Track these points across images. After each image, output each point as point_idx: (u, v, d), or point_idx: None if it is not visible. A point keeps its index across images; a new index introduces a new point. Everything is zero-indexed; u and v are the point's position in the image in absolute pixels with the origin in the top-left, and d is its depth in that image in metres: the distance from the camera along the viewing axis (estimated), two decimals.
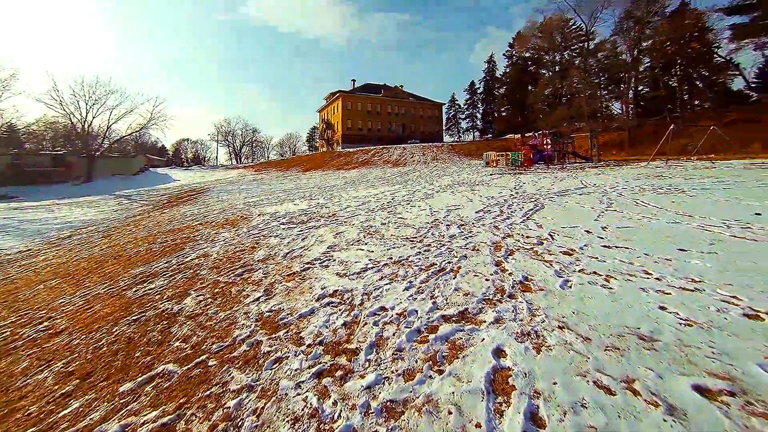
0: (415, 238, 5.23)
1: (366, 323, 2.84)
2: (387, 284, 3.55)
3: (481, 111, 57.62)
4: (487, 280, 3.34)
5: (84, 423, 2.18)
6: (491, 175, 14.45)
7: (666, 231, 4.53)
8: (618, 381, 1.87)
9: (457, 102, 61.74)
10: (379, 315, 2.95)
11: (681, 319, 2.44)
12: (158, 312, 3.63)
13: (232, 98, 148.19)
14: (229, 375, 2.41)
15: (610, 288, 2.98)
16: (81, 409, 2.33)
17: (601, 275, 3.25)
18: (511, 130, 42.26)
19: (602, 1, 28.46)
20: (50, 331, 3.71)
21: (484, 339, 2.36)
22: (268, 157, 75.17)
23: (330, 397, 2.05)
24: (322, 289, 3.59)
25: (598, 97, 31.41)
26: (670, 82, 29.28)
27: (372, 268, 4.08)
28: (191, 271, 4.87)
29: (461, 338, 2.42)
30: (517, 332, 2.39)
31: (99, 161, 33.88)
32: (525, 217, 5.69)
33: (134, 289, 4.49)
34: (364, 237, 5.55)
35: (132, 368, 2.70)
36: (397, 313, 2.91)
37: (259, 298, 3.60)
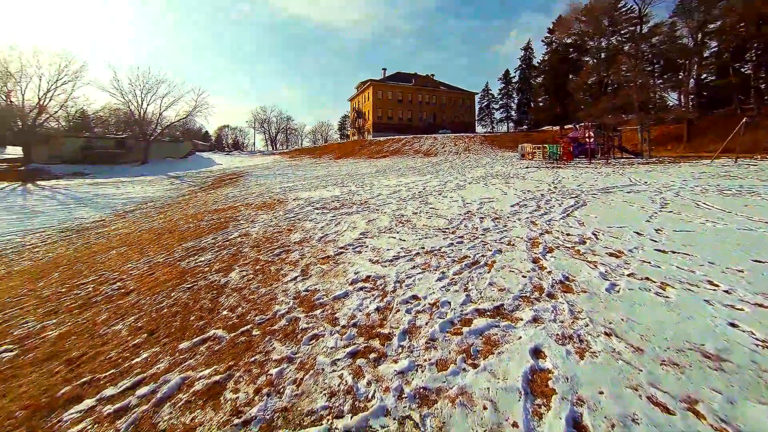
0: (448, 229, 5.12)
1: (399, 310, 2.84)
2: (419, 273, 3.52)
3: (516, 101, 54.46)
4: (524, 276, 3.20)
5: (152, 371, 2.42)
6: (527, 168, 13.73)
7: (736, 238, 4.02)
8: (677, 400, 1.70)
9: (490, 91, 58.87)
10: (411, 303, 2.94)
11: (757, 339, 2.16)
12: (208, 283, 3.89)
13: (269, 88, 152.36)
14: (271, 345, 2.54)
15: (667, 297, 2.72)
16: (149, 359, 2.59)
17: (654, 282, 2.97)
18: (549, 121, 39.57)
19: None
20: (122, 291, 4.13)
21: (521, 337, 2.27)
22: (301, 144, 77.06)
23: (364, 377, 2.09)
24: (355, 273, 3.65)
25: (651, 87, 28.35)
26: (743, 69, 25.63)
27: (404, 256, 4.06)
28: (235, 248, 5.15)
29: (496, 334, 2.35)
30: (558, 334, 2.27)
31: (153, 145, 36.53)
32: (565, 214, 5.35)
33: (187, 261, 4.85)
34: (396, 225, 5.53)
35: (188, 329, 2.94)
36: (429, 303, 2.88)
37: (296, 277, 3.73)
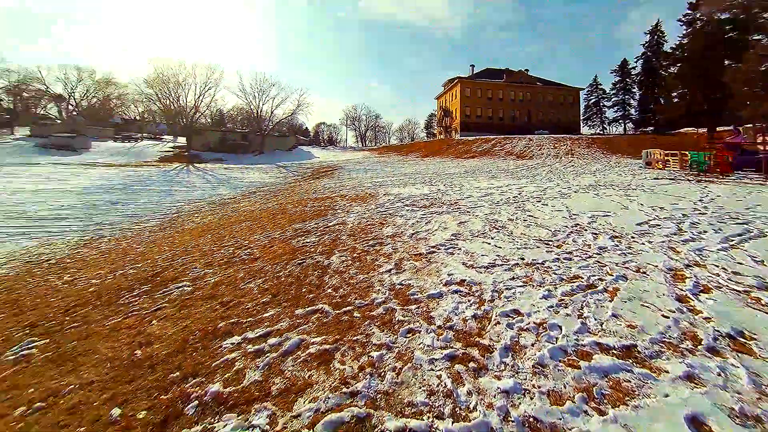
0: (551, 241, 4.56)
1: (498, 322, 2.66)
2: (520, 286, 3.23)
3: (637, 97, 44.50)
4: (665, 316, 2.59)
5: (277, 327, 2.87)
6: (656, 178, 11.16)
7: None
8: None
9: (600, 86, 49.47)
10: (512, 318, 2.72)
11: None
12: (314, 262, 4.38)
13: (359, 87, 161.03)
14: (371, 329, 2.70)
15: None
16: (274, 317, 3.08)
17: None
18: (687, 122, 31.17)
19: None
20: (251, 257, 5.02)
21: (668, 395, 1.80)
22: (389, 141, 79.77)
23: (464, 384, 2.02)
24: (449, 275, 3.57)
25: None
26: None
27: (501, 265, 3.79)
28: (334, 234, 5.67)
29: (629, 381, 1.95)
30: (733, 409, 1.70)
31: (266, 139, 43.19)
32: (727, 245, 4.11)
33: (296, 240, 5.57)
34: (490, 230, 5.21)
35: (301, 299, 3.37)
36: (535, 322, 2.61)
37: (390, 270, 3.87)
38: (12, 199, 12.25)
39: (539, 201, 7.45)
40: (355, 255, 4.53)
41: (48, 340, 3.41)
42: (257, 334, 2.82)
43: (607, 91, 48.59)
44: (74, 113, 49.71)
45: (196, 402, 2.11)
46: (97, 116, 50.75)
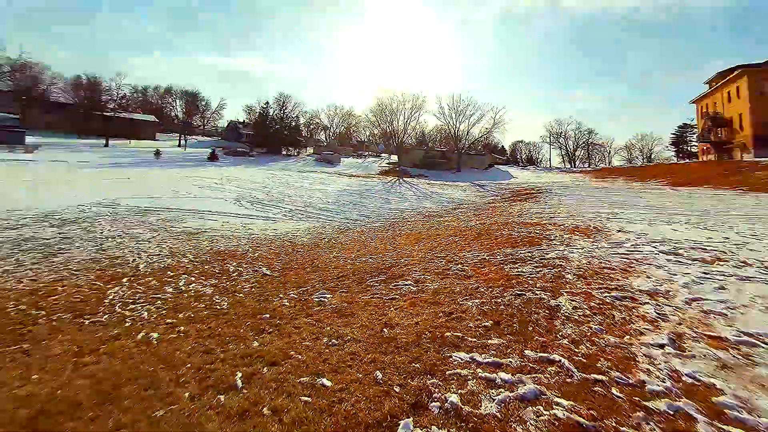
0: None
1: None
2: None
3: None
4: None
5: (506, 361, 2.73)
6: None
7: None
8: None
9: None
10: None
11: None
12: (537, 298, 3.93)
13: (562, 98, 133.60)
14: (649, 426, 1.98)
15: None
16: (500, 347, 2.97)
17: None
18: None
19: None
20: (464, 273, 5.26)
21: None
22: (610, 162, 62.99)
23: None
24: None
25: None
26: None
27: None
28: (555, 270, 4.91)
29: None
30: None
31: (463, 157, 45.19)
32: None
33: (509, 266, 5.28)
34: None
35: (529, 340, 3.06)
36: None
37: (662, 345, 2.80)
38: (303, 194, 19.44)
39: None
40: (593, 304, 3.67)
41: (331, 295, 4.93)
42: (485, 360, 2.78)
43: None
44: (332, 137, 74.65)
45: (439, 404, 2.28)
46: (343, 139, 74.00)
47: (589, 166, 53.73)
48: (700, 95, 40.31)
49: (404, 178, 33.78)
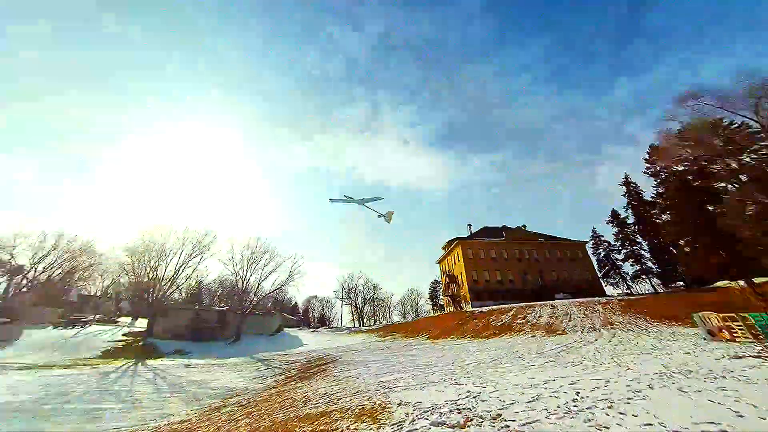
0: None
1: None
2: None
3: (646, 247, 47.94)
4: None
5: None
6: (737, 357, 10.24)
7: None
8: None
9: (602, 238, 53.84)
10: None
11: None
12: None
13: (354, 253, 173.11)
14: None
15: None
16: None
17: None
18: (718, 273, 32.61)
19: None
20: None
21: None
22: (390, 317, 78.74)
23: None
24: None
25: None
26: None
27: None
28: None
29: None
30: None
31: (249, 320, 42.08)
32: None
33: None
34: None
35: None
36: None
37: None
38: None
39: (611, 407, 6.37)
40: None
41: None
42: None
43: (613, 243, 52.33)
44: (25, 290, 45.91)
45: None
46: (51, 292, 47.50)
47: (374, 323, 64.13)
48: (440, 257, 62.53)
49: (147, 361, 25.75)
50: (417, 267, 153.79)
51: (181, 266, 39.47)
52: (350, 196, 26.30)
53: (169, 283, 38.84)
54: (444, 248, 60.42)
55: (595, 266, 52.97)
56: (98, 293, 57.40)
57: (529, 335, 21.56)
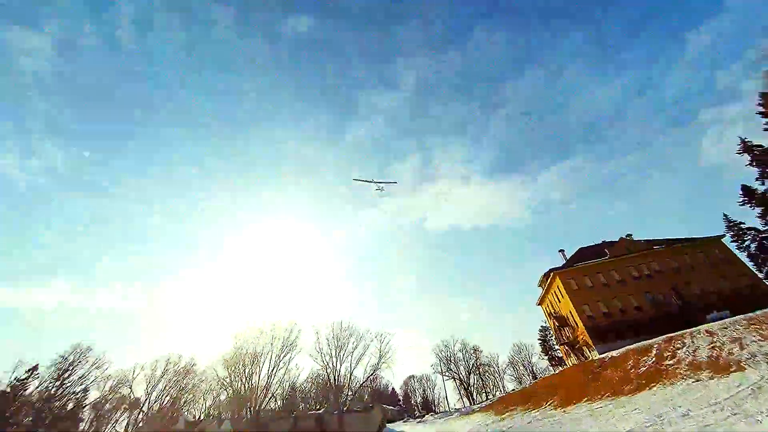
0: None
1: None
2: None
3: None
4: None
5: None
6: None
7: None
8: None
9: (745, 226, 41.36)
10: None
11: None
12: None
13: (440, 315, 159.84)
14: None
15: None
16: None
17: None
18: None
19: None
20: None
21: None
22: (502, 386, 69.69)
23: None
24: None
25: None
26: None
27: None
28: None
29: None
30: None
31: (346, 419, 40.10)
32: None
33: None
34: None
35: None
36: None
37: None
38: None
39: None
40: None
41: None
42: None
43: (762, 229, 40.33)
44: (141, 423, 47.61)
45: None
46: (163, 422, 48.43)
47: (486, 397, 56.95)
48: (539, 297, 54.53)
49: None
50: (516, 315, 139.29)
51: (273, 369, 40.89)
52: (371, 179, 36.50)
53: (264, 392, 40.01)
54: (540, 285, 53.62)
55: (750, 265, 41.17)
56: (201, 416, 58.01)
57: (691, 379, 16.87)
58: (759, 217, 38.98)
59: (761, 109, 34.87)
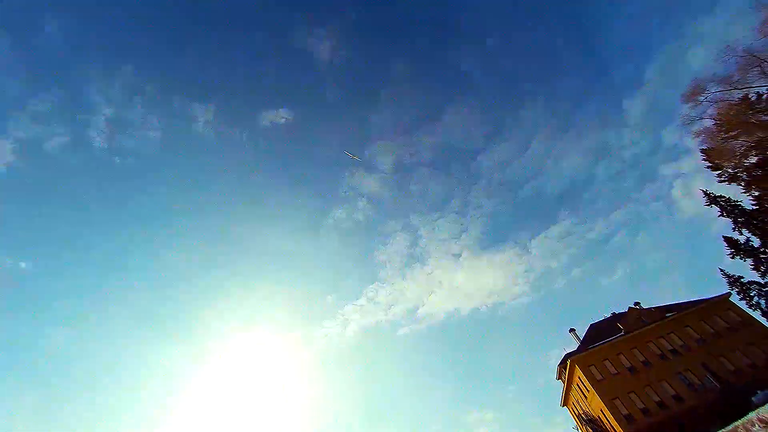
0: None
1: None
2: None
3: None
4: None
5: None
6: None
7: None
8: None
9: (744, 280, 39.18)
10: None
11: None
12: None
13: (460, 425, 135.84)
14: None
15: None
16: None
17: None
18: None
19: None
20: None
21: None
22: None
23: None
24: None
25: None
26: None
27: None
28: None
29: None
30: None
31: None
32: None
33: None
34: None
35: None
36: None
37: None
38: None
39: None
40: None
41: None
42: None
43: (761, 281, 38.03)
44: None
45: None
46: None
47: None
48: (562, 395, 46.58)
49: None
50: (544, 421, 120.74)
51: None
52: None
53: None
54: (559, 377, 46.51)
55: (766, 323, 37.71)
56: None
57: None
58: (753, 269, 37.54)
59: (708, 163, 37.00)
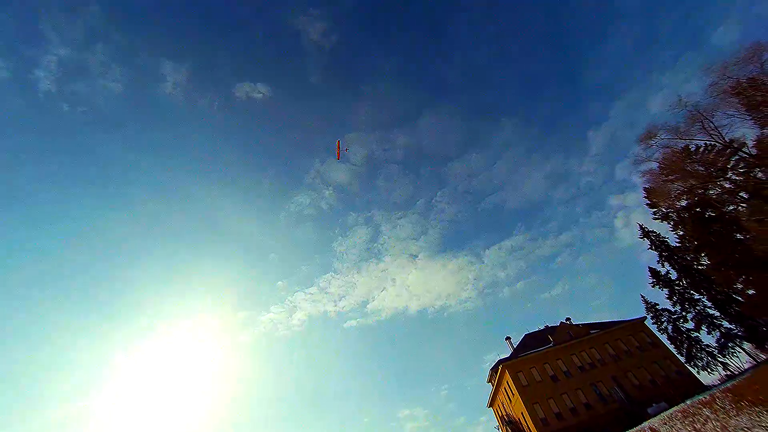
0: None
1: None
2: None
3: (709, 303, 41.57)
4: None
5: None
6: None
7: None
8: None
9: (659, 308, 46.28)
10: None
11: None
12: None
13: (388, 419, 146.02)
14: None
15: None
16: None
17: None
18: None
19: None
20: None
21: None
22: None
23: None
24: None
25: None
26: None
27: None
28: None
29: None
30: None
31: None
32: None
33: None
34: None
35: None
36: None
37: None
38: None
39: None
40: None
41: None
42: None
43: (672, 309, 45.29)
44: None
45: None
46: None
47: None
48: (490, 396, 50.80)
49: None
50: (469, 419, 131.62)
51: None
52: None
53: None
54: (490, 381, 50.81)
55: (670, 347, 44.75)
56: None
57: None
58: (668, 298, 44.64)
59: (647, 201, 42.91)
